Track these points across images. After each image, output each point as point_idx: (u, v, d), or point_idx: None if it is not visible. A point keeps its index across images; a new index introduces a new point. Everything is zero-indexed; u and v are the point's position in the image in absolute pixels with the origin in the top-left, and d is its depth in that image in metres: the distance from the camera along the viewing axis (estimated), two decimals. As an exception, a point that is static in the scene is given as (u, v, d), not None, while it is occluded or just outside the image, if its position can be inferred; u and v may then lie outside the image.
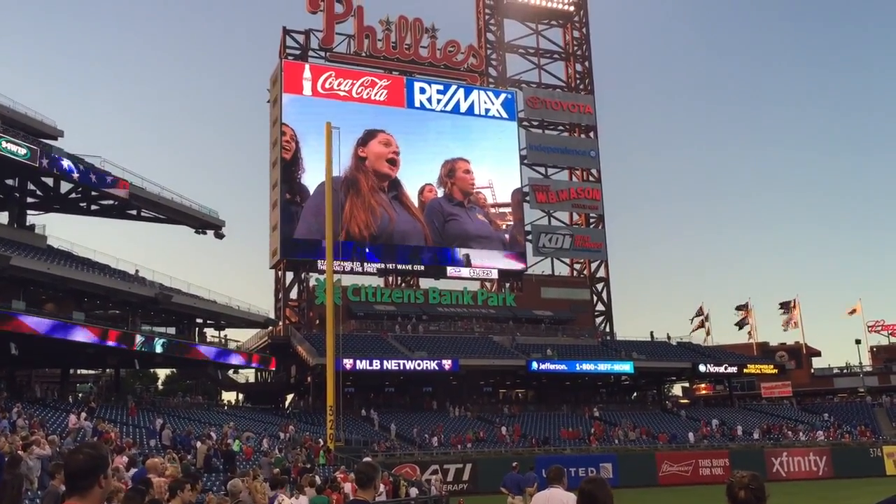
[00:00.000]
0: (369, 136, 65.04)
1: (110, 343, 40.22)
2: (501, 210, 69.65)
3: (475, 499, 37.98)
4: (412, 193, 65.94)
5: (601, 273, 74.26)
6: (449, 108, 68.79)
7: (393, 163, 65.54)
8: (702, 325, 74.20)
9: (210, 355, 49.03)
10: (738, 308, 75.76)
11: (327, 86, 64.64)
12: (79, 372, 63.01)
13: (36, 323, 35.94)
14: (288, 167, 62.42)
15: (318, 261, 58.65)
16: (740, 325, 75.73)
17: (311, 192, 61.75)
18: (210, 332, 54.31)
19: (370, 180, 64.36)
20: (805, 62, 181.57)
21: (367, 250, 62.72)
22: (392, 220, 64.25)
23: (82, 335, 38.18)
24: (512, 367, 58.30)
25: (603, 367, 60.18)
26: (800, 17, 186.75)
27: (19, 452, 16.27)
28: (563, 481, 7.45)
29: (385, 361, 53.07)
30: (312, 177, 61.66)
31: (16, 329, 34.67)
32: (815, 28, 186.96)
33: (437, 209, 66.34)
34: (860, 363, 76.95)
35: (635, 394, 72.63)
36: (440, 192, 67.03)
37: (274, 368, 57.35)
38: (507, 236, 68.97)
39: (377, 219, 63.61)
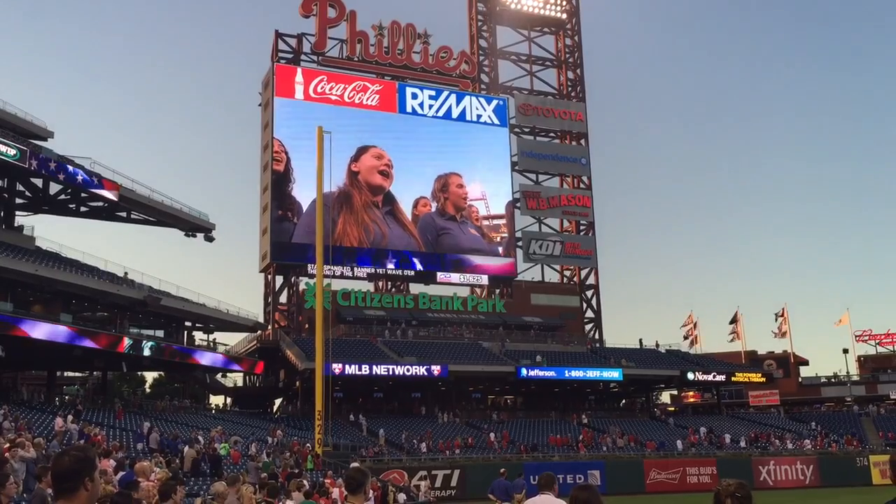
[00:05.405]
0: (361, 151, 65.05)
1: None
2: (495, 222, 69.76)
3: (463, 505, 37.97)
4: (406, 207, 65.94)
5: (591, 280, 74.42)
6: (441, 113, 68.86)
7: (385, 175, 65.45)
8: (691, 335, 74.51)
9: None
10: (732, 323, 76.11)
11: (319, 90, 64.61)
12: (65, 374, 62.66)
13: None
14: (279, 182, 62.15)
15: (308, 265, 58.59)
16: (733, 336, 76.01)
17: (305, 208, 61.09)
18: (199, 336, 54.22)
19: (364, 196, 64.30)
20: (797, 74, 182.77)
21: (356, 255, 62.79)
22: (385, 235, 64.20)
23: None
24: (501, 373, 58.26)
25: (592, 374, 60.24)
26: (791, 29, 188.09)
27: (6, 455, 16.17)
28: (554, 488, 7.45)
29: (374, 366, 52.96)
30: (305, 190, 60.73)
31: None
32: (805, 41, 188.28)
33: (429, 224, 66.41)
34: (847, 372, 77.50)
35: (624, 401, 72.76)
36: (433, 207, 67.11)
37: (262, 372, 57.23)
38: (500, 249, 69.15)
39: (370, 235, 63.55)
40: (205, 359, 50.12)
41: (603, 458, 50.01)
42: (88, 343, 38.94)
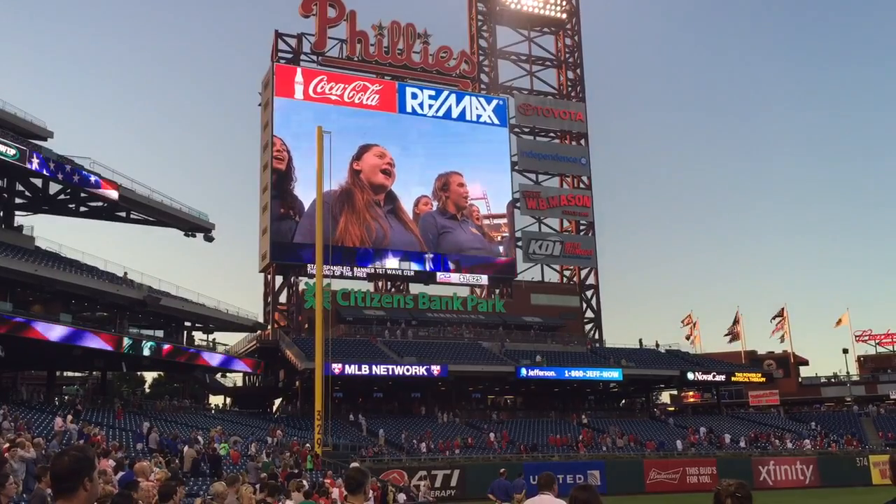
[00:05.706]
0: (364, 149, 65.10)
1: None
2: (496, 221, 69.75)
3: (463, 505, 37.95)
4: (408, 205, 65.95)
5: (591, 280, 74.41)
6: (440, 113, 68.84)
7: (387, 174, 65.49)
8: (690, 335, 74.58)
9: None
10: (733, 324, 76.16)
11: (319, 90, 64.59)
12: (65, 374, 62.65)
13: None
14: (281, 180, 62.14)
15: (308, 265, 58.58)
16: (731, 336, 75.99)
17: (306, 207, 60.88)
18: (198, 336, 54.23)
19: (366, 194, 64.33)
20: (796, 74, 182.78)
21: (356, 255, 62.82)
22: (387, 235, 64.25)
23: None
24: (501, 373, 58.25)
25: (592, 374, 60.22)
26: (790, 29, 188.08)
27: (6, 455, 16.17)
28: (554, 488, 7.44)
29: (374, 366, 52.95)
30: (306, 190, 60.30)
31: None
32: (804, 41, 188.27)
33: (430, 223, 66.44)
34: (847, 372, 77.53)
35: (623, 401, 72.76)
36: (434, 206, 67.12)
37: (262, 372, 57.21)
38: (500, 248, 69.20)
39: (372, 234, 63.59)
40: (213, 359, 50.33)
41: (603, 458, 50.00)
42: (90, 339, 38.92)
